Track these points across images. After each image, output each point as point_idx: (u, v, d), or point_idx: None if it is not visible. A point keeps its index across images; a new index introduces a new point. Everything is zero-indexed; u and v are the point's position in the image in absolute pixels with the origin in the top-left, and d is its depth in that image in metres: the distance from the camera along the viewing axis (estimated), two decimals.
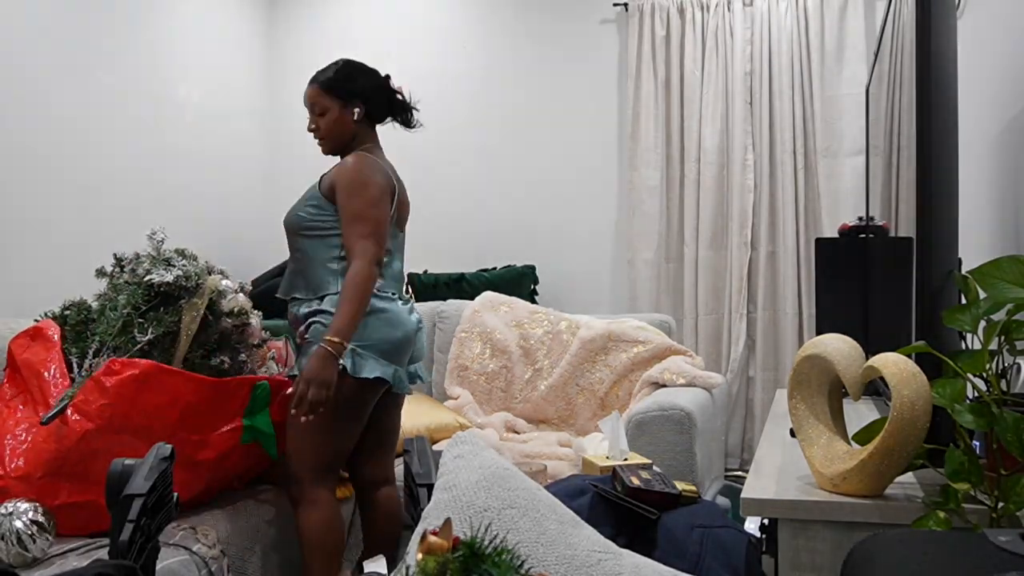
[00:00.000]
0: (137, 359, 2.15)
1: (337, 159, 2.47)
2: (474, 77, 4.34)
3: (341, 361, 2.20)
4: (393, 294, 2.40)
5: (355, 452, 2.47)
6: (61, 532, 2.01)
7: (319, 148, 2.50)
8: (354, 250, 2.25)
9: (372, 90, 2.44)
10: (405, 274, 2.51)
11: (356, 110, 2.41)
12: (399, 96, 2.50)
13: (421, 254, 4.30)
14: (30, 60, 3.13)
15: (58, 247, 3.22)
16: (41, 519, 1.91)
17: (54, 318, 2.32)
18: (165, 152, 3.72)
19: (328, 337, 2.17)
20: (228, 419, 2.27)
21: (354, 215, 2.28)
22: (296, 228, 2.40)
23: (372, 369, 2.27)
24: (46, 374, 2.17)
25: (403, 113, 2.51)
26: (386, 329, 2.31)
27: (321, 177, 2.43)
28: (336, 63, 2.46)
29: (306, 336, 2.32)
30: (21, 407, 2.16)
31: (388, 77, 2.50)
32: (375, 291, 2.31)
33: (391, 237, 2.41)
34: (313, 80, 2.44)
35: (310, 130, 2.46)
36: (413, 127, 2.55)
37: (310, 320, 2.32)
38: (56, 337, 2.25)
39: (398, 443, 2.59)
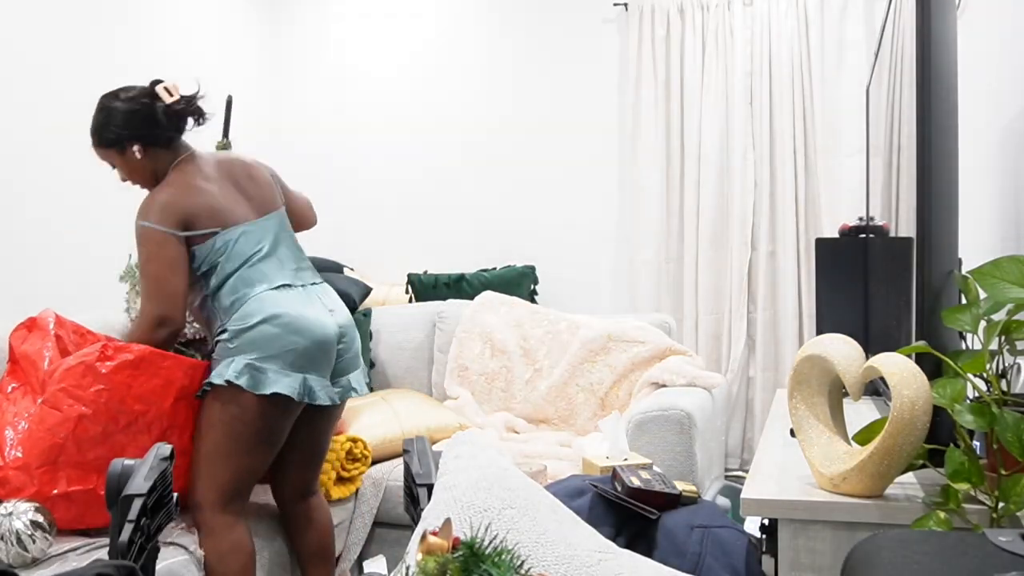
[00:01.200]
0: (131, 343, 2.13)
1: None
2: (474, 77, 4.34)
3: (236, 380, 2.11)
4: (288, 285, 2.25)
5: (275, 468, 2.36)
6: (61, 524, 2.01)
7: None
8: (143, 306, 2.15)
9: (138, 122, 2.22)
10: (296, 252, 2.37)
11: (135, 149, 2.23)
12: (175, 105, 2.25)
13: (421, 254, 4.31)
14: (30, 60, 3.13)
15: (58, 247, 3.22)
16: (41, 519, 1.91)
17: None
18: None
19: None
20: None
21: (141, 273, 2.17)
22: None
23: (272, 383, 2.13)
24: (42, 363, 2.16)
25: (185, 117, 2.28)
26: (288, 337, 2.16)
27: None
28: (97, 110, 2.26)
29: (212, 355, 2.21)
30: (20, 399, 2.16)
31: (153, 87, 2.26)
32: (267, 289, 2.20)
33: (225, 237, 2.22)
34: (90, 136, 2.29)
35: (123, 181, 2.33)
36: (204, 122, 2.32)
37: (215, 341, 2.21)
38: (51, 326, 2.24)
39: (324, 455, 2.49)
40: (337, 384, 2.33)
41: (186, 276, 2.18)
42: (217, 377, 2.14)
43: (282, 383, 2.15)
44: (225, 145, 2.52)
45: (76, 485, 2.05)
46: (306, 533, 2.44)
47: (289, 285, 2.26)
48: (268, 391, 2.13)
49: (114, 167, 2.31)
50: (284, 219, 2.39)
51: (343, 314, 2.35)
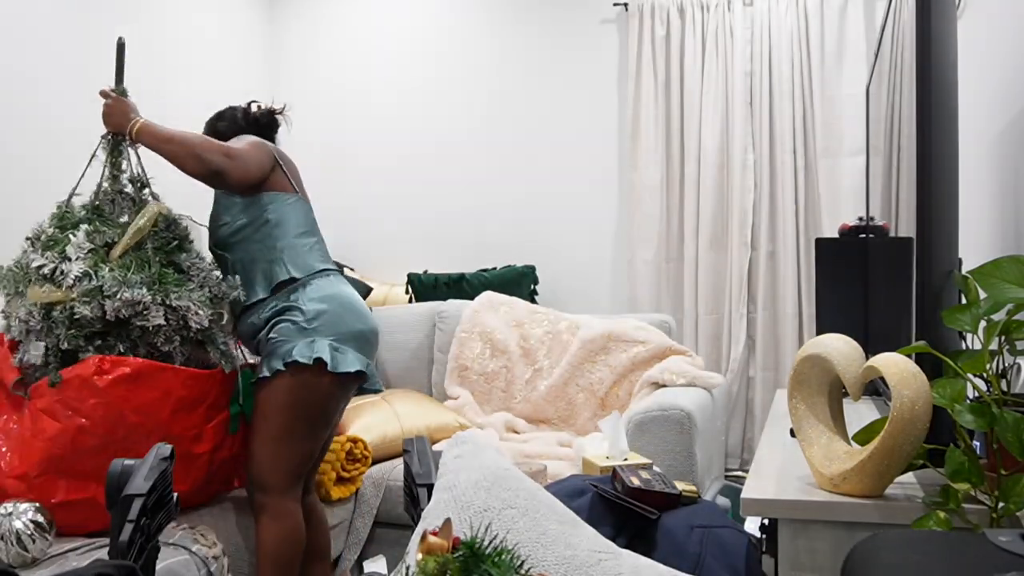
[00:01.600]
0: (127, 357, 2.09)
1: None
2: (474, 77, 4.34)
3: (320, 355, 2.15)
4: (339, 272, 2.35)
5: None
6: (61, 530, 2.02)
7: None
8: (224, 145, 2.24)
9: (233, 133, 2.42)
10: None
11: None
12: (260, 120, 2.49)
13: (421, 254, 4.30)
14: (29, 60, 3.13)
15: None
16: (40, 519, 1.91)
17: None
18: None
19: (140, 126, 2.17)
20: (220, 410, 2.24)
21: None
22: (225, 241, 2.33)
23: (352, 363, 2.20)
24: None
25: (268, 132, 2.50)
26: (355, 323, 2.25)
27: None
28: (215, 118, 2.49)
29: (271, 336, 2.23)
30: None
31: (248, 108, 2.50)
32: (334, 272, 2.28)
33: (291, 202, 2.32)
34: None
35: None
36: (276, 130, 2.54)
37: (276, 319, 2.24)
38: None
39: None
40: None
41: (264, 172, 2.28)
42: (303, 356, 2.15)
43: (358, 363, 2.22)
44: (122, 92, 2.35)
45: (75, 494, 2.04)
46: (310, 532, 2.44)
47: (339, 272, 2.36)
48: (351, 369, 2.19)
49: None
50: None
51: None
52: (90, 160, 2.30)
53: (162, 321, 2.10)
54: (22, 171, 3.10)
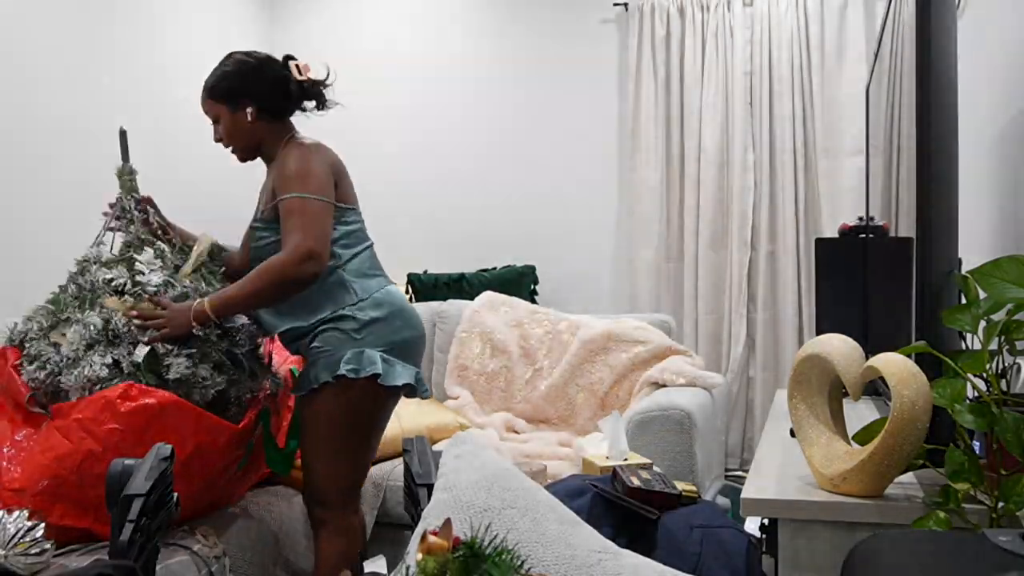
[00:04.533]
0: (156, 388, 2.01)
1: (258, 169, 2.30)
2: (474, 77, 4.34)
3: (374, 370, 2.05)
4: (391, 280, 2.27)
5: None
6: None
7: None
8: (285, 242, 2.05)
9: (262, 85, 2.18)
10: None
11: (248, 110, 2.17)
12: (302, 82, 2.22)
13: (421, 254, 4.30)
14: (30, 60, 3.13)
15: (58, 247, 3.21)
16: (40, 530, 1.87)
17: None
18: (165, 153, 3.71)
19: (208, 302, 2.02)
20: (232, 457, 2.19)
21: (289, 208, 2.06)
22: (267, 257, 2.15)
23: (402, 375, 2.12)
24: (17, 389, 2.09)
25: (311, 99, 2.25)
26: (408, 329, 2.17)
27: (259, 198, 2.26)
28: (223, 62, 2.21)
29: (315, 344, 2.13)
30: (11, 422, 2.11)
31: (287, 62, 2.23)
32: (388, 282, 2.20)
33: (353, 216, 2.23)
34: (203, 87, 2.22)
35: (216, 141, 2.26)
36: (326, 108, 2.28)
37: (323, 326, 2.13)
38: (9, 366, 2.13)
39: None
40: None
41: (332, 216, 2.11)
42: (350, 371, 2.06)
43: (407, 375, 2.14)
44: (129, 170, 2.37)
45: (69, 521, 1.98)
46: None
47: (390, 279, 2.29)
48: (400, 382, 2.11)
49: (216, 122, 2.22)
50: None
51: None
52: (105, 230, 2.34)
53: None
54: (23, 171, 3.10)
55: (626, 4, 4.08)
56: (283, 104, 2.22)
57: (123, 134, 2.38)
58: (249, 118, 2.18)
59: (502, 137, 4.29)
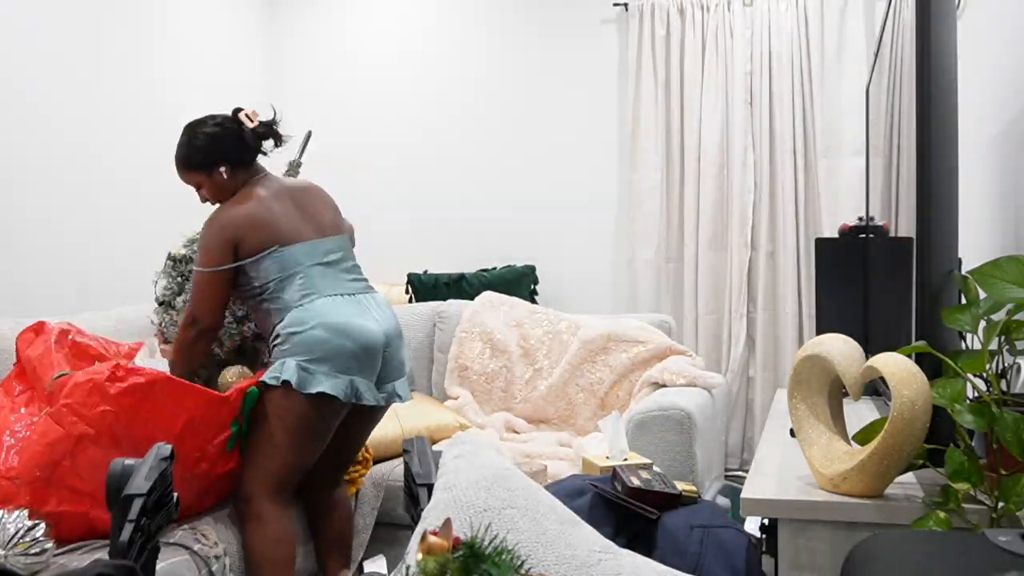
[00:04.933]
0: (143, 367, 2.10)
1: None
2: (474, 77, 4.34)
3: (285, 377, 2.26)
4: (340, 295, 2.39)
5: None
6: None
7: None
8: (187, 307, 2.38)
9: (227, 144, 2.43)
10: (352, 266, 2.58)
11: (222, 170, 2.43)
12: (254, 128, 2.47)
13: (421, 254, 4.30)
14: (30, 61, 3.13)
15: (58, 247, 3.22)
16: (40, 530, 1.88)
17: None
18: (165, 153, 3.70)
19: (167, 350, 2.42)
20: (222, 429, 2.24)
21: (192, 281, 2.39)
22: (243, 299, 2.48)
23: (318, 383, 2.27)
24: (50, 372, 2.13)
25: (266, 140, 2.50)
26: (335, 339, 2.29)
27: None
28: (188, 136, 2.46)
29: (268, 360, 2.40)
30: (24, 406, 2.14)
31: (236, 114, 2.48)
32: (318, 297, 2.35)
33: (274, 255, 2.37)
34: (176, 163, 2.48)
35: (203, 202, 2.51)
36: (282, 144, 2.54)
37: (272, 347, 2.37)
38: (53, 339, 2.22)
39: (357, 451, 2.64)
40: (382, 390, 2.44)
41: (227, 289, 2.37)
42: (271, 378, 2.28)
43: (328, 383, 2.27)
44: (298, 163, 2.80)
45: (66, 506, 1.99)
46: (328, 519, 2.54)
47: (340, 294, 2.41)
48: (315, 390, 2.26)
49: (199, 189, 2.48)
50: (346, 242, 2.60)
51: (390, 323, 2.45)
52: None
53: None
54: (23, 171, 3.10)
55: (626, 4, 4.08)
56: (246, 154, 2.47)
57: (308, 135, 2.86)
58: (225, 175, 2.44)
59: (502, 137, 4.29)
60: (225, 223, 2.36)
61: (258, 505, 2.29)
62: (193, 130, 2.46)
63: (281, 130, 2.53)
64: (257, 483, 2.30)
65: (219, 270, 2.34)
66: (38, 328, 2.27)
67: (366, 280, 2.57)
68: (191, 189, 2.48)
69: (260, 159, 2.51)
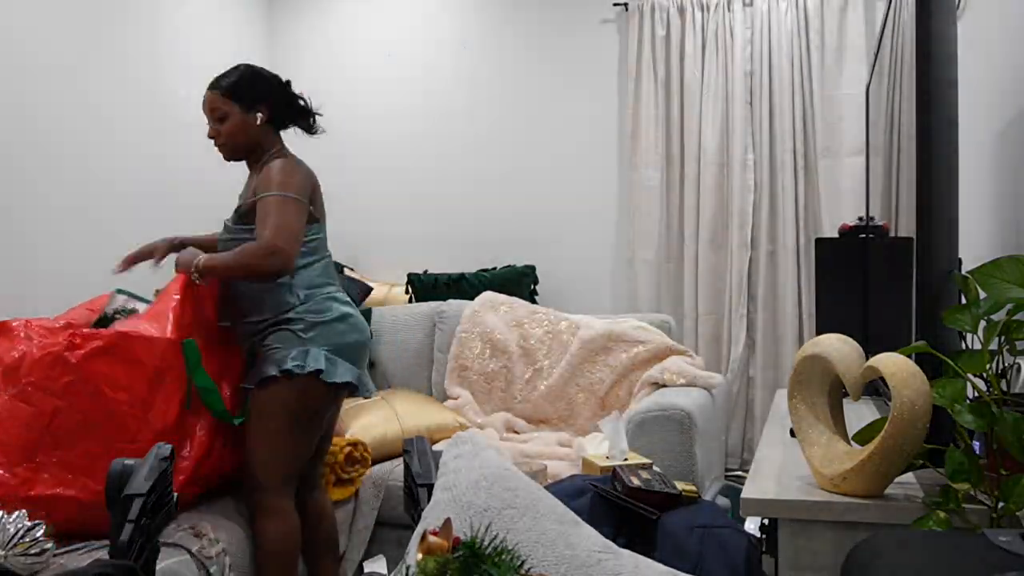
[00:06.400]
0: (100, 329, 2.10)
1: (241, 171, 2.49)
2: (473, 77, 4.34)
3: (317, 366, 2.23)
4: (341, 288, 2.46)
5: None
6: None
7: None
8: (259, 235, 2.23)
9: (274, 95, 2.42)
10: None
11: (259, 115, 2.38)
12: (301, 102, 2.48)
13: (421, 254, 4.30)
14: (30, 61, 3.13)
15: (58, 247, 3.22)
16: (40, 530, 1.87)
17: None
18: (165, 152, 3.72)
19: (204, 260, 2.25)
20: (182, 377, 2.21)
21: (266, 206, 2.25)
22: None
23: (343, 374, 2.31)
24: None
25: (305, 119, 2.49)
26: (353, 334, 2.37)
27: (239, 203, 2.42)
28: (237, 67, 2.43)
29: (267, 342, 2.30)
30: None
31: (288, 83, 2.48)
32: (337, 289, 2.38)
33: (315, 230, 2.39)
34: (213, 85, 2.40)
35: (210, 136, 2.42)
36: (315, 133, 2.52)
37: (274, 327, 2.30)
38: (23, 334, 2.13)
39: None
40: None
41: (305, 222, 2.31)
42: (296, 366, 2.24)
43: (349, 374, 2.33)
44: None
45: (58, 487, 1.98)
46: (316, 526, 2.52)
47: (339, 286, 2.47)
48: (342, 380, 2.30)
49: (221, 120, 2.38)
50: None
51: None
52: None
53: None
54: (23, 171, 3.10)
55: (626, 4, 4.08)
56: (289, 116, 2.46)
57: None
58: (258, 121, 2.38)
59: (502, 137, 4.29)
60: (308, 172, 2.38)
61: (272, 499, 2.30)
62: (251, 68, 2.43)
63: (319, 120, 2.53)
64: (270, 476, 2.29)
65: (305, 202, 2.30)
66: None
67: None
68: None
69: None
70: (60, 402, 1.99)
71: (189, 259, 2.31)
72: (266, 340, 2.32)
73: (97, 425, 2.03)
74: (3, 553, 1.83)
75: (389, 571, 2.53)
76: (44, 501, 1.97)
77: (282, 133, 2.49)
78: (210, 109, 2.39)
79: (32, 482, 1.97)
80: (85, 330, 2.09)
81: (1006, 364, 1.47)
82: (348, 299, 2.47)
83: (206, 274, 2.28)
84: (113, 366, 2.05)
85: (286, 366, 2.25)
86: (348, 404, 3.09)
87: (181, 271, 2.32)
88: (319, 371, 2.25)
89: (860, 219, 2.75)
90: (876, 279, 2.38)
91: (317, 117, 2.51)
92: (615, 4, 4.11)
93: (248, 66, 2.44)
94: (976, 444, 1.50)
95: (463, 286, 3.96)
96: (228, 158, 2.45)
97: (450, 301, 3.79)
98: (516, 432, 3.37)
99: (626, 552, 1.21)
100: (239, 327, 2.40)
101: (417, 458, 1.64)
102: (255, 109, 2.38)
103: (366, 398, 2.51)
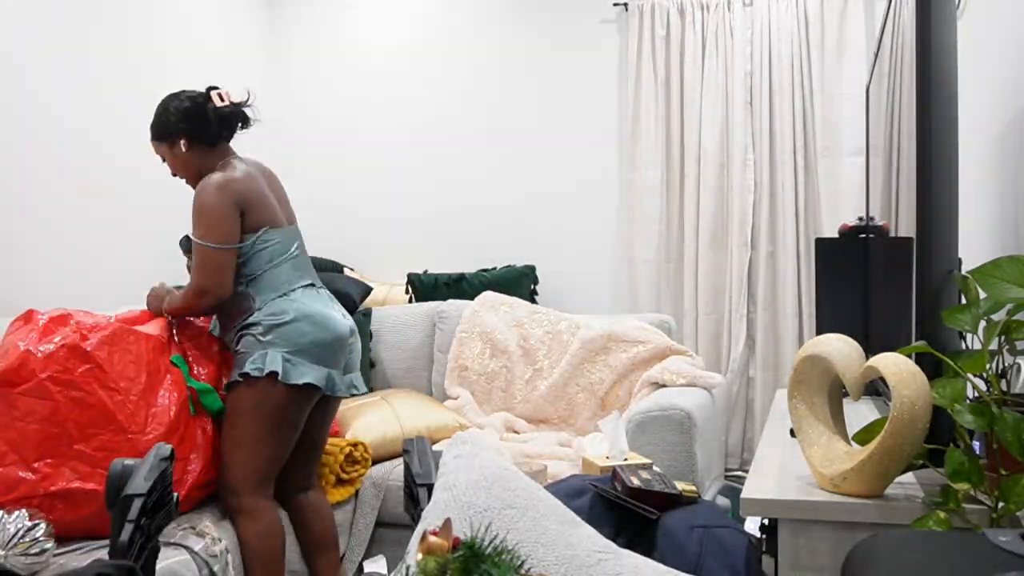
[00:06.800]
0: (100, 322, 2.18)
1: None
2: (474, 77, 4.34)
3: (273, 368, 2.28)
4: (313, 285, 2.46)
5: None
6: (59, 530, 1.99)
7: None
8: (192, 278, 2.35)
9: (189, 119, 2.42)
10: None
11: (181, 143, 2.43)
12: (223, 108, 2.45)
13: (421, 254, 4.30)
14: (30, 60, 3.13)
15: (58, 246, 3.22)
16: (40, 530, 1.88)
17: None
18: None
19: (165, 304, 2.41)
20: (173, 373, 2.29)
21: (194, 249, 2.35)
22: None
23: (303, 375, 2.32)
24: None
25: (229, 127, 2.48)
26: (315, 332, 2.36)
27: None
28: (159, 106, 2.48)
29: (237, 348, 2.38)
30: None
31: (208, 92, 2.47)
32: (298, 287, 2.40)
33: (268, 236, 2.41)
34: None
35: (172, 176, 2.53)
36: (248, 126, 2.54)
37: (240, 333, 2.38)
38: (42, 323, 2.19)
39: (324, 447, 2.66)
40: (343, 382, 2.49)
41: (234, 255, 2.36)
42: (254, 369, 2.29)
43: (312, 374, 2.34)
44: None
45: (76, 482, 2.01)
46: (312, 524, 2.54)
47: (313, 285, 2.48)
48: (301, 381, 2.31)
49: (164, 161, 2.50)
50: (300, 232, 2.59)
51: (349, 317, 2.52)
52: None
53: None
54: (22, 170, 3.10)
55: (626, 4, 4.08)
56: (208, 131, 2.45)
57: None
58: (183, 148, 2.44)
59: (502, 137, 4.29)
60: (222, 183, 2.35)
61: (247, 501, 2.31)
62: (164, 102, 2.47)
63: (250, 112, 2.52)
64: (242, 479, 2.32)
65: (230, 248, 2.33)
66: (27, 316, 2.25)
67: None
68: (193, 189, 2.48)
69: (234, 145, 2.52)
70: (77, 392, 2.04)
71: (156, 305, 2.47)
72: (237, 345, 2.39)
73: (111, 415, 2.07)
74: (3, 553, 1.83)
75: (389, 571, 2.53)
76: (66, 496, 2.00)
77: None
78: (156, 154, 2.52)
79: (53, 477, 2.01)
80: (87, 324, 2.15)
81: (1006, 364, 1.47)
82: (326, 296, 2.49)
83: (170, 315, 2.44)
84: (117, 355, 2.13)
85: (244, 369, 2.31)
86: (348, 404, 3.09)
87: (152, 311, 2.47)
88: (275, 373, 2.28)
89: (860, 219, 2.75)
90: (876, 279, 2.38)
91: (248, 111, 2.50)
92: (615, 4, 4.11)
93: (162, 101, 2.48)
94: (976, 444, 1.50)
95: (463, 286, 3.96)
96: (192, 186, 2.48)
97: (450, 301, 3.79)
98: (516, 432, 3.36)
99: (626, 552, 1.21)
100: (223, 335, 2.50)
101: (417, 458, 1.64)
102: (174, 140, 2.44)
103: (344, 396, 2.50)
